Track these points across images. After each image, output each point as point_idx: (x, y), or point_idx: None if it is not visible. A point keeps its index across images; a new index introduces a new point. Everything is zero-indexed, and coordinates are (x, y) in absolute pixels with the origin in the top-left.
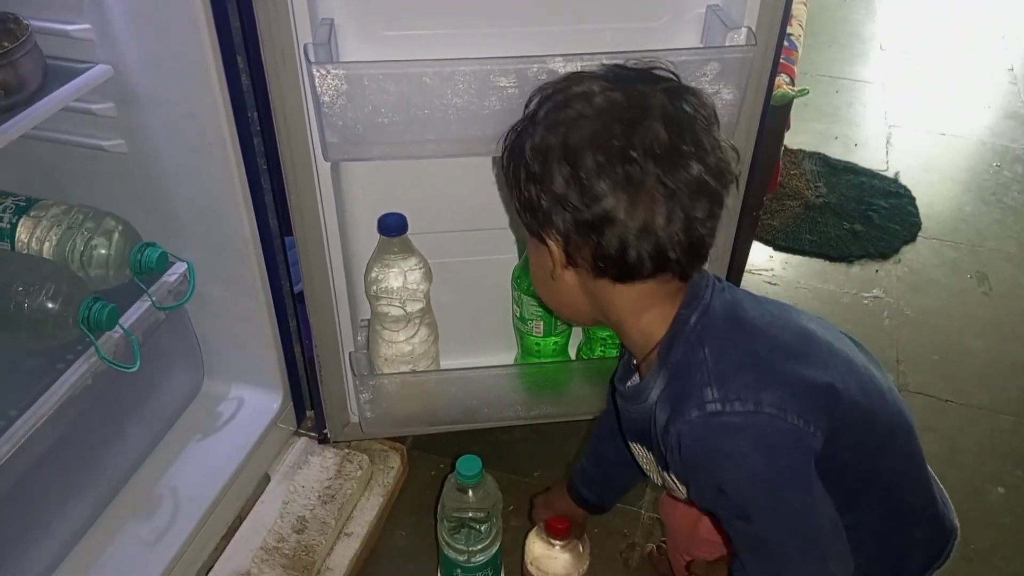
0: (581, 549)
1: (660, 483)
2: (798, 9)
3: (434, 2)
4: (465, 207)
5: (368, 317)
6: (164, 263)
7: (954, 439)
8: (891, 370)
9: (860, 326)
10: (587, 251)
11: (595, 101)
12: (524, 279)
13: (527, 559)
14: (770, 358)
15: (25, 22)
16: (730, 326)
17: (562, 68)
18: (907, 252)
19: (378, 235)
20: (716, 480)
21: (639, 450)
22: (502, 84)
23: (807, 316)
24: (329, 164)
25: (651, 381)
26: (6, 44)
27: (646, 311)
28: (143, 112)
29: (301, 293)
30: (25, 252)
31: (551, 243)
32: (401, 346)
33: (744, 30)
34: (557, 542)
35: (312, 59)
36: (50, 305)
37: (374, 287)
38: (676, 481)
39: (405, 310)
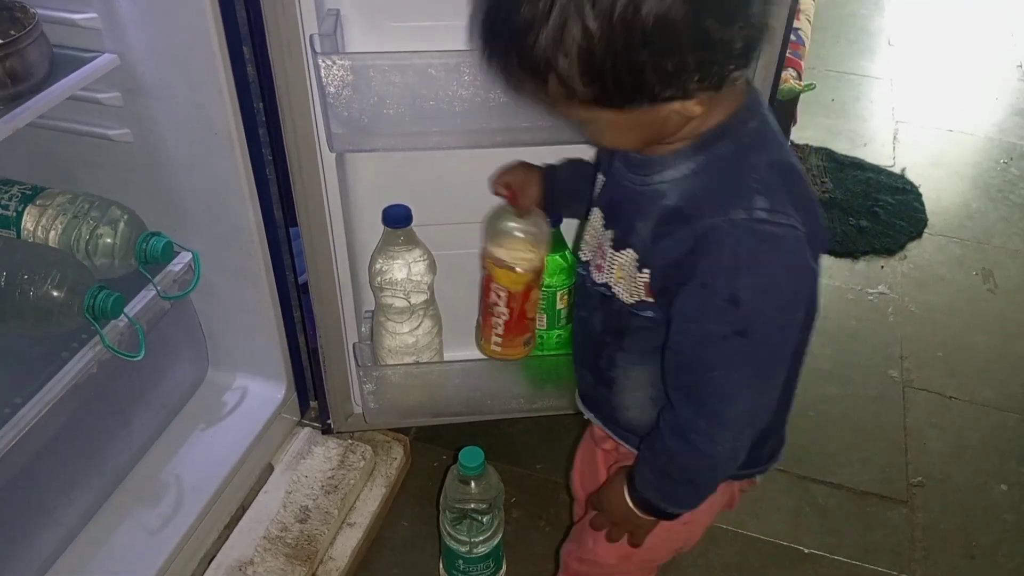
0: (543, 226)
1: (584, 260)
2: (806, 4)
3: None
4: (470, 199)
5: (372, 308)
6: (169, 252)
7: (958, 436)
8: (895, 366)
9: (865, 322)
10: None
11: None
12: None
13: (487, 243)
14: (805, 194)
15: (32, 11)
16: (779, 148)
17: None
18: (913, 248)
19: (383, 226)
20: (735, 286)
21: (595, 219)
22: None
23: None
24: (334, 155)
25: (674, 160)
26: (13, 32)
27: (713, 112)
28: (149, 101)
29: (305, 283)
30: (31, 240)
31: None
32: (405, 337)
33: None
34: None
35: (318, 50)
36: (55, 293)
37: (378, 278)
38: (615, 262)
39: (409, 301)
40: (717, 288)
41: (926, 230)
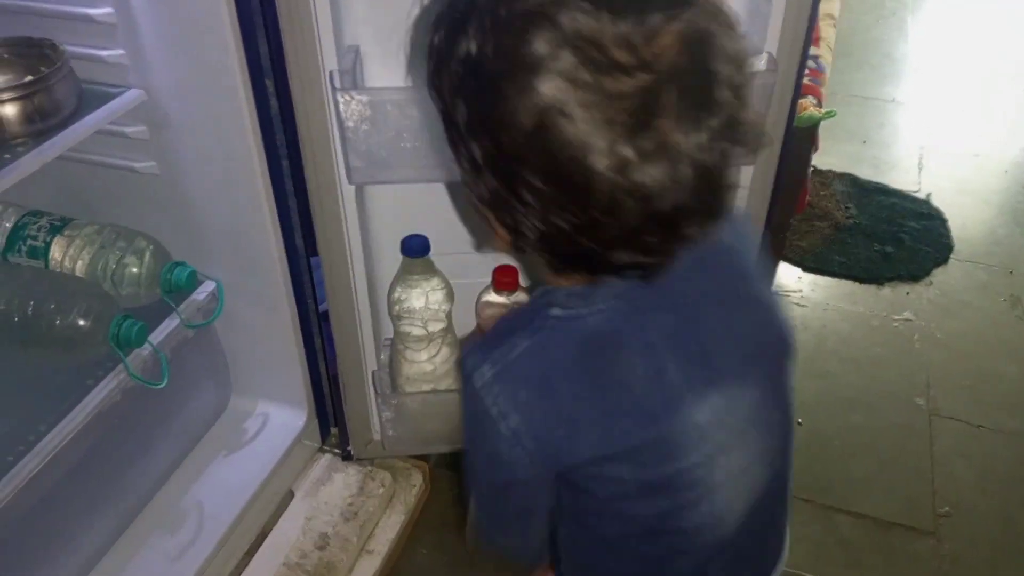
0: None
1: None
2: (827, 32)
3: None
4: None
5: (391, 336)
6: (193, 282)
7: (986, 465)
8: (921, 394)
9: (890, 349)
10: None
11: None
12: None
13: (478, 318)
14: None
15: (61, 48)
16: (587, 351)
17: None
18: (939, 275)
19: (401, 256)
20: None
21: None
22: None
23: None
24: (353, 186)
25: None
26: (43, 69)
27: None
28: (174, 134)
29: (326, 312)
30: (59, 270)
31: None
32: (423, 365)
33: (765, 55)
34: (503, 295)
35: (337, 86)
36: (81, 322)
37: (397, 307)
38: None
39: (427, 330)
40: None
41: (952, 256)
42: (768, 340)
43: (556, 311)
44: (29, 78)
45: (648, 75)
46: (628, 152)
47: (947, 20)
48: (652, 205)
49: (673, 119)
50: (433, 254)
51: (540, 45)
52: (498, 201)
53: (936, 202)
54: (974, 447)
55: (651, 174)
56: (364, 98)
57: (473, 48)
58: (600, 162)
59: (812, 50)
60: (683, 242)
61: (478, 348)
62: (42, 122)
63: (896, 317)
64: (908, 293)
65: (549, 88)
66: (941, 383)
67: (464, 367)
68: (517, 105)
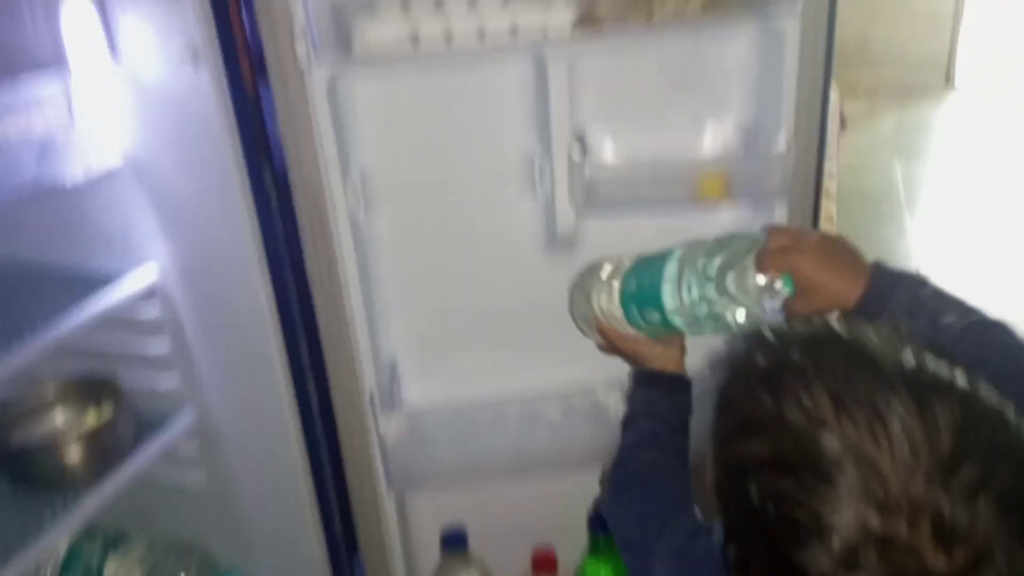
0: None
1: None
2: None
3: (482, 336)
4: (524, 518)
5: None
6: None
7: None
8: None
9: None
10: None
11: None
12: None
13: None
14: None
15: (121, 386)
16: None
17: (603, 396)
18: None
19: (440, 551)
20: None
21: None
22: (550, 416)
23: None
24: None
25: None
26: (105, 408)
27: None
28: (223, 450)
29: None
30: None
31: None
32: None
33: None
34: None
35: (376, 405)
36: None
37: None
38: None
39: None
40: None
41: None
42: None
43: None
44: (92, 422)
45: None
46: None
47: (944, 217)
48: None
49: None
50: (472, 546)
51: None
52: None
53: None
54: None
55: None
56: (402, 417)
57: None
58: None
59: None
60: None
61: None
62: (103, 460)
63: None
64: None
65: None
66: None
67: None
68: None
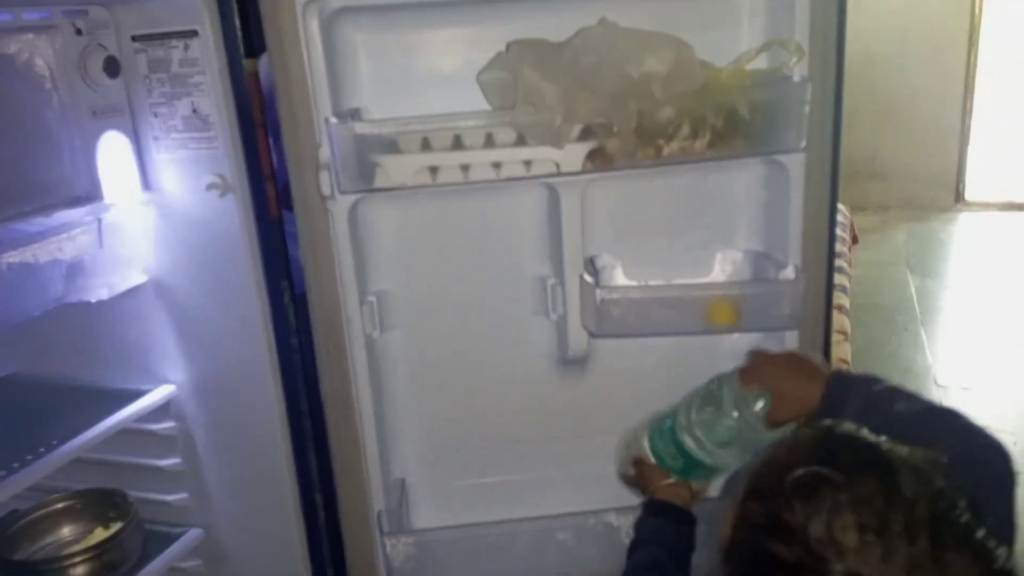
0: None
1: None
2: (842, 348)
3: (494, 455)
4: None
5: None
6: None
7: None
8: None
9: None
10: None
11: None
12: None
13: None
14: None
15: (130, 499)
16: None
17: (615, 520)
18: None
19: None
20: None
21: None
22: (561, 538)
23: None
24: None
25: None
26: (112, 522)
27: None
28: (230, 569)
29: None
30: None
31: None
32: None
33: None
34: None
35: (385, 528)
36: None
37: None
38: None
39: None
40: None
41: None
42: None
43: None
44: (100, 539)
45: None
46: None
47: (959, 327)
48: None
49: None
50: None
51: None
52: None
53: None
54: None
55: None
56: (410, 540)
57: None
58: None
59: None
60: None
61: None
62: (109, 575)
63: None
64: None
65: None
66: None
67: None
68: None
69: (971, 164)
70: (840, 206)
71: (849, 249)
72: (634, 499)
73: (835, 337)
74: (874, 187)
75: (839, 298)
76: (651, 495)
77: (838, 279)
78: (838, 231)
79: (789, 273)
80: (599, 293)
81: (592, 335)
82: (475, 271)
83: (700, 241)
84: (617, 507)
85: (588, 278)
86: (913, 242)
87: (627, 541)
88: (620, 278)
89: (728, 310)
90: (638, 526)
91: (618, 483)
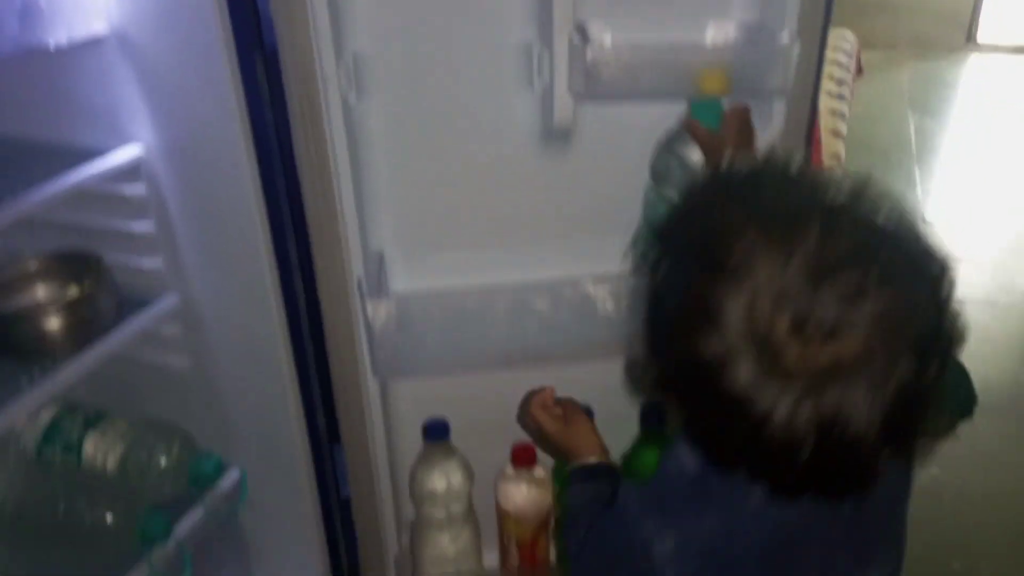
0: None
1: None
2: (835, 144)
3: (473, 231)
4: (507, 412)
5: (413, 518)
6: (219, 472)
7: None
8: (957, 557)
9: (918, 508)
10: None
11: None
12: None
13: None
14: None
15: (104, 261)
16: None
17: (592, 289)
18: (964, 429)
19: (422, 440)
20: None
21: None
22: (538, 307)
23: None
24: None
25: None
26: (86, 282)
27: None
28: (207, 334)
29: (348, 499)
30: (91, 463)
31: None
32: (445, 547)
33: None
34: (523, 471)
35: (364, 291)
36: (109, 520)
37: (418, 490)
38: None
39: (448, 511)
40: None
41: (977, 408)
42: None
43: None
44: (73, 294)
45: None
46: None
47: (953, 168)
48: None
49: None
50: (453, 438)
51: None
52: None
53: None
54: None
55: None
56: (391, 302)
57: None
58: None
59: None
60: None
61: None
62: (83, 332)
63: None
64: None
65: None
66: (978, 544)
67: None
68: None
69: (986, 3)
70: (847, 33)
71: (852, 79)
72: (612, 269)
73: (829, 162)
74: (882, 22)
75: (837, 124)
76: (567, 455)
77: (838, 105)
78: (843, 57)
79: (784, 38)
80: (590, 52)
81: (579, 96)
82: (458, 37)
83: (694, 7)
84: (594, 275)
85: (577, 40)
86: (918, 81)
87: (604, 313)
88: (610, 44)
89: (720, 78)
90: (572, 497)
91: (596, 253)
